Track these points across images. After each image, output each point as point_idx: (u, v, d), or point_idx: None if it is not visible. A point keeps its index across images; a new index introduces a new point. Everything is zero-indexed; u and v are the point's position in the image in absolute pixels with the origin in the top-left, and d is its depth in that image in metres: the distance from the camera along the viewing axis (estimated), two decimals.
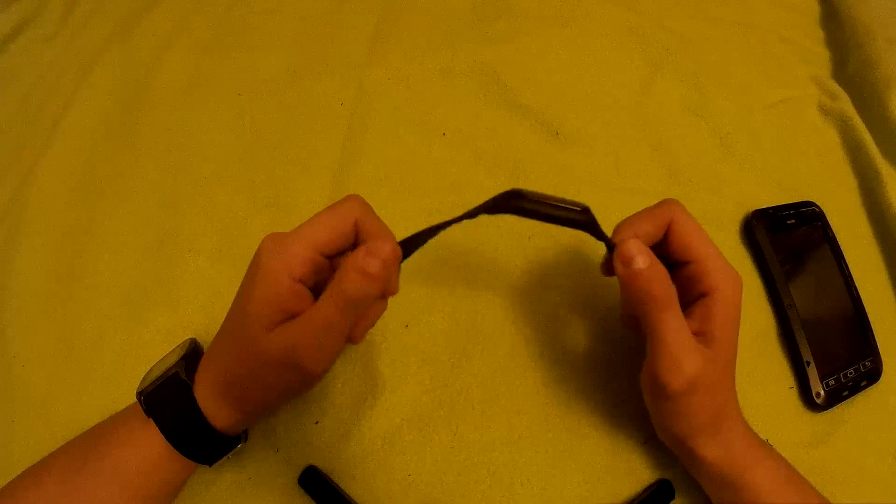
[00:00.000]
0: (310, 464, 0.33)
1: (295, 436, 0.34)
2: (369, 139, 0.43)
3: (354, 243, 0.28)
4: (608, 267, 0.29)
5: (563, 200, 0.27)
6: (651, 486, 0.33)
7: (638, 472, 0.33)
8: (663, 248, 0.29)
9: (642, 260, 0.26)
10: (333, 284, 0.24)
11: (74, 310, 0.38)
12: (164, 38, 0.50)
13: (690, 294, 0.28)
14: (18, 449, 0.34)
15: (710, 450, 0.28)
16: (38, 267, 0.40)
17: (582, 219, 0.27)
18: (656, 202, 0.29)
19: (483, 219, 0.40)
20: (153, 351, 0.36)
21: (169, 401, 0.28)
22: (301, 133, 0.44)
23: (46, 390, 0.36)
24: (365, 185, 0.41)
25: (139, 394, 0.28)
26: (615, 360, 0.36)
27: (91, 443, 0.29)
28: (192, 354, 0.30)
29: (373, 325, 0.31)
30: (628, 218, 0.29)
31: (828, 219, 0.40)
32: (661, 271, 0.26)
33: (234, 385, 0.27)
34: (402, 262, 0.27)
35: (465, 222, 0.40)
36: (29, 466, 0.29)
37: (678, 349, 0.26)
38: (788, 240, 0.39)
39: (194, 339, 0.32)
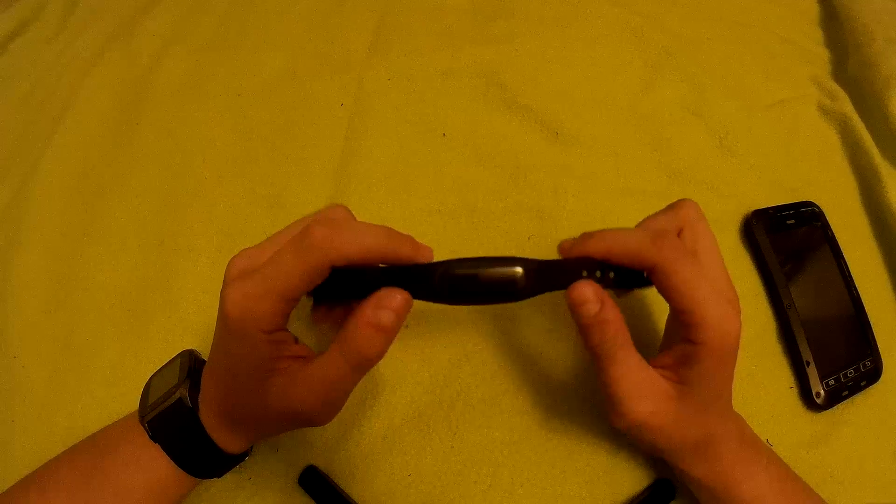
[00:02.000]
0: (310, 464, 0.33)
1: (295, 436, 0.34)
2: (369, 139, 0.43)
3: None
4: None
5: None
6: (651, 486, 0.33)
7: (638, 472, 0.33)
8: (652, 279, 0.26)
9: (590, 308, 0.24)
10: (343, 341, 0.23)
11: (74, 310, 0.38)
12: (164, 38, 0.50)
13: (678, 333, 0.26)
14: (18, 449, 0.34)
15: (696, 468, 0.28)
16: (38, 267, 0.40)
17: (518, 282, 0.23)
18: (651, 235, 0.25)
19: (483, 218, 0.40)
20: (153, 351, 0.36)
21: (175, 428, 0.27)
22: (301, 133, 0.44)
23: (46, 391, 0.36)
24: (365, 185, 0.41)
25: (142, 418, 0.28)
26: None
27: (95, 458, 0.28)
28: (193, 373, 0.29)
29: None
30: (602, 232, 0.26)
31: (828, 219, 0.40)
32: (609, 319, 0.24)
33: (239, 419, 0.27)
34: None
35: (464, 223, 0.40)
36: (31, 474, 0.29)
37: (620, 396, 0.25)
38: (788, 240, 0.39)
39: (192, 351, 0.31)
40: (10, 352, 0.37)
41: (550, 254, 0.39)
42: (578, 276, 0.25)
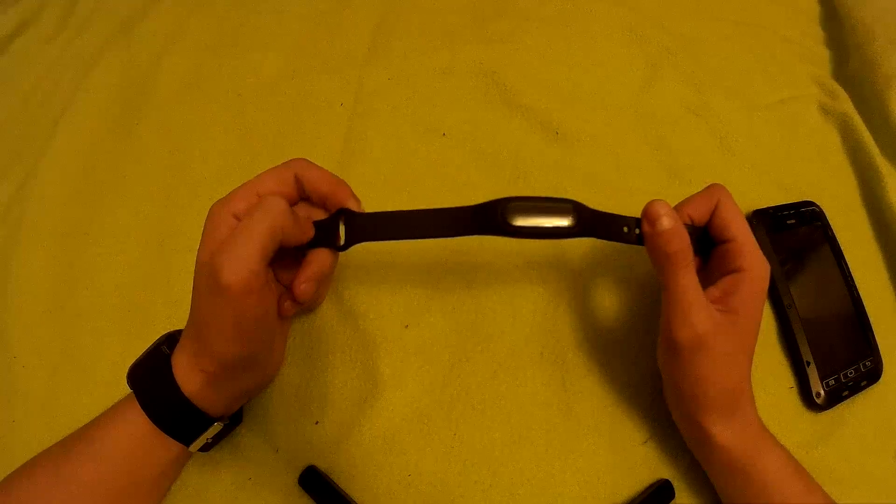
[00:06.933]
0: (310, 464, 0.33)
1: (295, 436, 0.34)
2: (369, 139, 0.43)
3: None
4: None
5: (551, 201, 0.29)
6: (651, 486, 0.33)
7: (638, 472, 0.33)
8: (707, 226, 0.31)
9: (667, 221, 0.28)
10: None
11: (74, 310, 0.38)
12: (164, 38, 0.50)
13: (723, 269, 0.30)
14: (19, 449, 0.34)
15: (723, 432, 0.29)
16: (38, 267, 0.40)
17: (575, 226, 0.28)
18: (705, 187, 0.32)
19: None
20: None
21: (148, 371, 0.29)
22: (301, 133, 0.44)
23: (46, 390, 0.36)
24: (365, 185, 0.41)
25: (129, 369, 0.30)
26: (615, 360, 0.36)
27: (82, 430, 0.30)
28: (177, 333, 0.31)
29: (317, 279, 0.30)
30: (677, 204, 0.32)
31: (828, 219, 0.40)
32: (681, 232, 0.28)
33: (192, 332, 0.28)
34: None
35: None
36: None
37: (688, 304, 0.27)
38: (788, 240, 0.39)
39: None
40: (10, 352, 0.37)
41: (550, 255, 0.39)
42: (620, 229, 0.30)
